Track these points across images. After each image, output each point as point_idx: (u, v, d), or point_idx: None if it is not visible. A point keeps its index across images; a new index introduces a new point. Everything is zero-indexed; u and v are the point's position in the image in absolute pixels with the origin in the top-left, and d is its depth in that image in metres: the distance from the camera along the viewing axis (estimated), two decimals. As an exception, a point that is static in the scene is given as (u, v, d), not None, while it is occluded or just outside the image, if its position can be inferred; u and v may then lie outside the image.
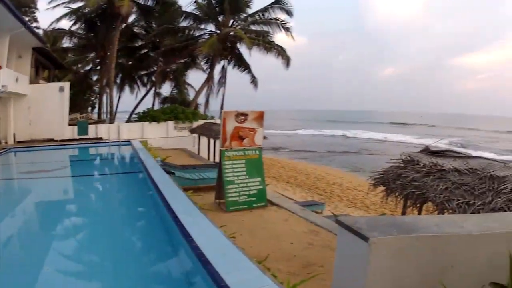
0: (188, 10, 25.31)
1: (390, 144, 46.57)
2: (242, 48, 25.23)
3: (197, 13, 25.07)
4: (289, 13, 24.24)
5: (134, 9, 24.24)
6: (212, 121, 21.54)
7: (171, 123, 22.27)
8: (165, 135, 21.85)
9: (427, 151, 7.14)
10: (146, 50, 28.74)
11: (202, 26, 25.70)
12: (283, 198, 9.96)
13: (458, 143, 47.68)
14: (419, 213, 6.36)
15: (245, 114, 8.57)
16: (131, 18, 25.83)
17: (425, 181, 5.81)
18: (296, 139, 53.82)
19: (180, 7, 25.78)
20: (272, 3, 24.33)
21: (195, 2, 24.78)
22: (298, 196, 15.06)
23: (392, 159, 7.08)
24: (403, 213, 6.48)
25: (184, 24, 25.64)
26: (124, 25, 24.28)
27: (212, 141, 17.54)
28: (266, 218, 7.60)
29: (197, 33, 26.00)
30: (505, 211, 4.46)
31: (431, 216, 4.27)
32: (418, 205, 6.29)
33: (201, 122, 21.88)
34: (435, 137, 49.68)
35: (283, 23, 24.32)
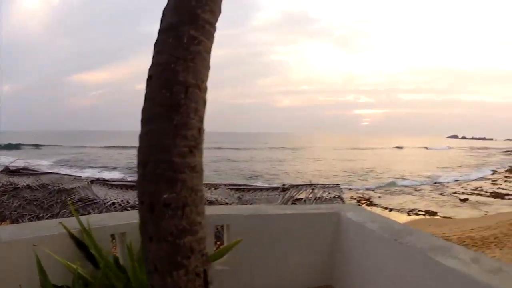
0: None
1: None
2: None
3: None
4: None
5: None
6: None
7: None
8: None
9: (6, 170, 7.07)
10: None
11: None
12: None
13: (66, 161, 48.39)
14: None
15: None
16: None
17: (2, 200, 5.84)
18: None
19: None
20: None
21: None
22: None
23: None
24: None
25: None
26: None
27: None
28: None
29: None
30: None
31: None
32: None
33: None
34: (44, 157, 48.38)
35: None
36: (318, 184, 9.43)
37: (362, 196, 26.30)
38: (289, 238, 2.83)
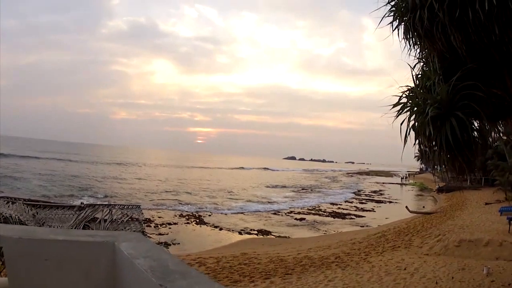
0: None
1: None
2: None
3: None
4: None
5: None
6: None
7: None
8: None
9: None
10: None
11: None
12: None
13: None
14: None
15: None
16: None
17: None
18: None
19: None
20: None
21: None
22: None
23: None
24: None
25: None
26: None
27: None
28: None
29: None
30: None
31: None
32: None
33: None
34: None
35: None
36: (116, 205, 9.20)
37: (192, 214, 26.49)
38: (62, 270, 2.45)
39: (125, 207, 8.95)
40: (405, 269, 11.90)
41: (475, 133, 6.86)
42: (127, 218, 8.08)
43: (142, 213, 8.82)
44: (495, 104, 6.65)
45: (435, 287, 9.91)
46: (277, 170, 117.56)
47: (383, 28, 7.05)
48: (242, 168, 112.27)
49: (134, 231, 7.10)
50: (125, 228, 7.34)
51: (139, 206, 9.21)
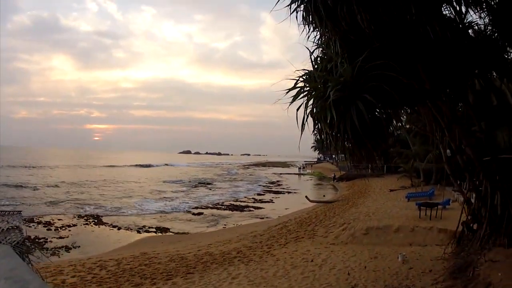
0: None
1: None
2: None
3: None
4: None
5: None
6: None
7: None
8: None
9: None
10: None
11: None
12: None
13: None
14: None
15: None
16: None
17: None
18: None
19: None
20: None
21: None
22: None
23: None
24: None
25: None
26: None
27: None
28: None
29: None
30: None
31: None
32: None
33: None
34: None
35: None
36: (-4, 212, 7.96)
37: (90, 215, 24.90)
38: None
39: (5, 213, 7.72)
40: (312, 260, 11.56)
41: (384, 117, 6.46)
42: (7, 227, 6.90)
43: (22, 220, 7.62)
44: (401, 91, 6.17)
45: (348, 279, 9.31)
46: (178, 166, 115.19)
47: (282, 22, 6.37)
48: (150, 165, 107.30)
49: (15, 241, 5.99)
50: (5, 237, 6.19)
51: (20, 212, 7.98)
